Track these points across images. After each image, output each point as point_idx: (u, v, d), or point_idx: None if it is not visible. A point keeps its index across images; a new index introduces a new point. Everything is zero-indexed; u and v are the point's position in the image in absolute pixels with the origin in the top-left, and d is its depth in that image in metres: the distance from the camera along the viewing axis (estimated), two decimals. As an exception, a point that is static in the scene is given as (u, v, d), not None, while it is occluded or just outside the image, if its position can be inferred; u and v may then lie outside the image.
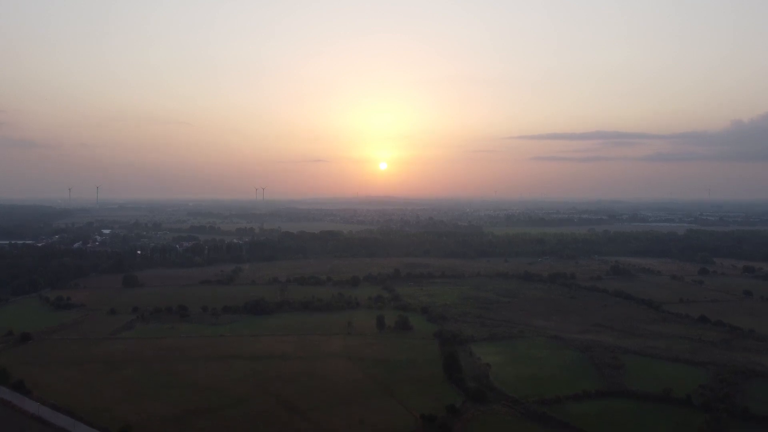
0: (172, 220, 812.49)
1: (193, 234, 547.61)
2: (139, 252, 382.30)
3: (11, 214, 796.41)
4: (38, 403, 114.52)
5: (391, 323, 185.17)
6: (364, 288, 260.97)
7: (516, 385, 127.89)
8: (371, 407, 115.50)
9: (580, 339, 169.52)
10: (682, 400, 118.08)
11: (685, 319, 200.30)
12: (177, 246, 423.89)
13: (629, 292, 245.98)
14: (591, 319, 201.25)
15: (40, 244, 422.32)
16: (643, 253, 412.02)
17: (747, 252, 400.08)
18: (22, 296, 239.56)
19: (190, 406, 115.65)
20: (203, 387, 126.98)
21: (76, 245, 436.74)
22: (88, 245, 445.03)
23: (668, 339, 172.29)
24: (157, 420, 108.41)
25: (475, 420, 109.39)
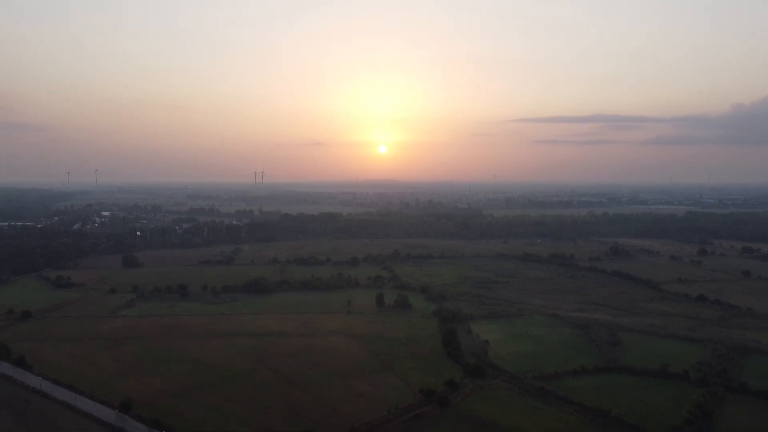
0: (171, 202, 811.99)
1: (192, 216, 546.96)
2: (138, 233, 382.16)
3: (10, 197, 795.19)
4: (40, 378, 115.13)
5: (390, 302, 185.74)
6: (364, 268, 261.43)
7: (514, 361, 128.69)
8: (371, 381, 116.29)
9: (578, 317, 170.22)
10: (679, 376, 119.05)
11: (683, 298, 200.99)
12: (176, 227, 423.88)
13: (628, 272, 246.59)
14: (590, 298, 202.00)
15: (39, 226, 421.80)
16: (643, 235, 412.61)
17: (746, 233, 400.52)
18: (22, 276, 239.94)
19: (190, 380, 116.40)
20: (204, 362, 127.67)
21: (75, 226, 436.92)
22: (88, 227, 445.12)
23: (666, 317, 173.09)
24: (158, 394, 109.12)
25: (474, 394, 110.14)
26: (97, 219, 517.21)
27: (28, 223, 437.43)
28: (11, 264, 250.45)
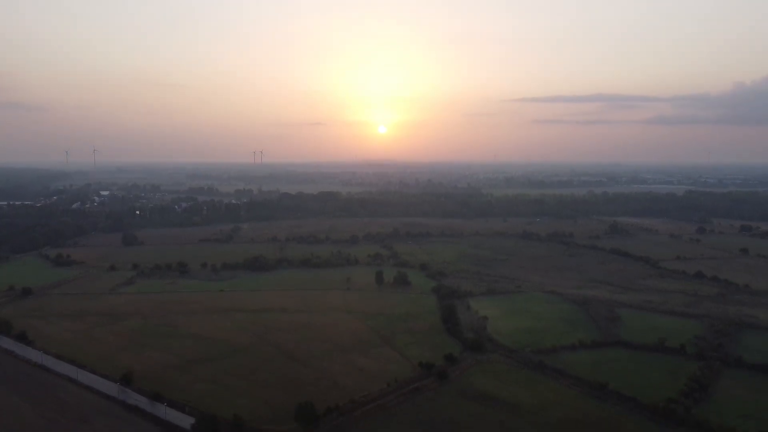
0: (170, 182, 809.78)
1: (191, 195, 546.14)
2: (137, 212, 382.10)
3: (8, 176, 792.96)
4: (41, 353, 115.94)
5: (389, 279, 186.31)
6: (363, 246, 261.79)
7: (513, 336, 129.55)
8: (370, 356, 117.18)
9: (577, 294, 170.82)
10: (676, 350, 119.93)
11: (681, 275, 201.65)
12: (176, 207, 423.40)
13: (627, 249, 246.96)
14: (588, 275, 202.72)
15: (38, 205, 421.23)
16: (642, 214, 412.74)
17: (745, 212, 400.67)
18: (21, 254, 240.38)
19: (191, 355, 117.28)
20: (204, 338, 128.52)
21: (74, 206, 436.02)
22: (87, 206, 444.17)
23: (664, 293, 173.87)
24: (159, 368, 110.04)
25: (473, 368, 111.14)
26: (96, 198, 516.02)
27: (27, 203, 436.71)
28: (11, 242, 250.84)
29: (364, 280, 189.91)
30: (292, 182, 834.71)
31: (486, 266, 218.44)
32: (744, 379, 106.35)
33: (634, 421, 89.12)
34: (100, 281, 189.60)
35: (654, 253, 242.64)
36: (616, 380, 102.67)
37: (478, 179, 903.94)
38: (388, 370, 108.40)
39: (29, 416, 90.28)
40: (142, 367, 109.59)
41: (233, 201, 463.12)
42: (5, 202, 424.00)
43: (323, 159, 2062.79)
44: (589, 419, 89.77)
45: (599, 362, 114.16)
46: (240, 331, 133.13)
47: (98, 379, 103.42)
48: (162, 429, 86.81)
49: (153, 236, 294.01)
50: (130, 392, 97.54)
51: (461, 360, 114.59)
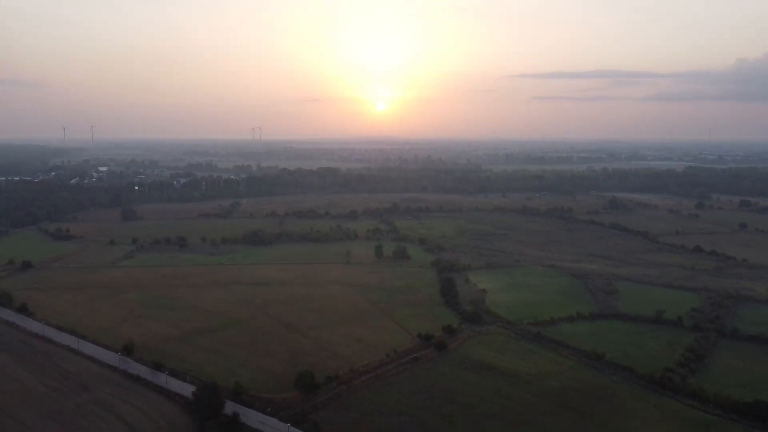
0: (168, 158, 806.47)
1: (190, 171, 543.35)
2: (136, 188, 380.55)
3: (6, 152, 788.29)
4: (42, 324, 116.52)
5: (389, 253, 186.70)
6: (363, 221, 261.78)
7: (511, 309, 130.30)
8: (370, 327, 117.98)
9: (575, 267, 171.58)
10: (673, 322, 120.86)
11: (679, 249, 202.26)
12: (174, 182, 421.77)
13: (626, 224, 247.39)
14: (587, 250, 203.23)
15: (37, 180, 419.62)
16: (641, 189, 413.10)
17: (744, 188, 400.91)
18: (21, 228, 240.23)
19: (191, 326, 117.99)
20: (204, 310, 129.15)
21: (73, 181, 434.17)
22: (85, 181, 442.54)
23: (662, 267, 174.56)
24: (159, 339, 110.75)
25: (471, 339, 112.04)
26: (95, 174, 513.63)
27: (25, 178, 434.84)
28: (10, 217, 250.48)
29: (363, 254, 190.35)
30: (291, 158, 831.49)
31: (485, 241, 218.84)
32: (740, 350, 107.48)
33: (631, 390, 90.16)
34: (100, 255, 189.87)
35: (653, 227, 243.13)
36: (613, 351, 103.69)
37: (478, 155, 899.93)
38: (387, 341, 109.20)
39: (32, 384, 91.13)
40: (142, 337, 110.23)
41: (232, 177, 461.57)
42: (3, 178, 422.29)
43: (322, 136, 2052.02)
44: (586, 388, 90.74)
45: (597, 334, 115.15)
46: (240, 304, 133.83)
47: (99, 349, 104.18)
48: (163, 397, 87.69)
49: (152, 211, 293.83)
50: (131, 362, 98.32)
51: (460, 331, 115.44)
